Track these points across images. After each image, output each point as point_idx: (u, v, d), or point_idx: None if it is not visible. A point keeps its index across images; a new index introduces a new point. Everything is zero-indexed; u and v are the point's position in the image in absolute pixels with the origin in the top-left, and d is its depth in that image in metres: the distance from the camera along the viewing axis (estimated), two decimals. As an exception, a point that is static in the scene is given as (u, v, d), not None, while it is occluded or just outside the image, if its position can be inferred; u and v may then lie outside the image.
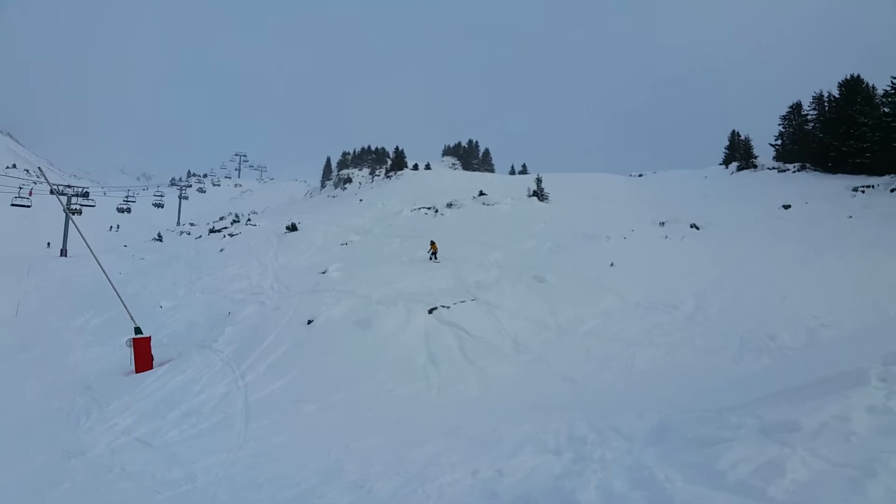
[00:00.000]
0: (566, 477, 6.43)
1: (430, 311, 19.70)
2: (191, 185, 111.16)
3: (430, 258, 27.17)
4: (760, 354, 14.39)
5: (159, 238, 57.45)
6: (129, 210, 70.77)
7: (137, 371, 18.44)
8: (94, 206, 58.13)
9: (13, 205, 53.49)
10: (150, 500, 9.51)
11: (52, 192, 28.41)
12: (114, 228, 72.04)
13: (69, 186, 56.47)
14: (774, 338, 15.20)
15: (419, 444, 10.57)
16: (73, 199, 54.97)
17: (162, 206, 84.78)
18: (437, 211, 39.24)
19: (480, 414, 12.72)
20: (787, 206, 30.94)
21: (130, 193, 79.54)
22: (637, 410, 9.06)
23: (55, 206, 51.60)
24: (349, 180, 77.69)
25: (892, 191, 30.87)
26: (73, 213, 54.08)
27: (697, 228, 28.77)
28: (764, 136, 50.24)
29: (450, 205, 40.38)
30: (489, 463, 8.46)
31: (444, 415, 13.01)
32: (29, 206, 54.08)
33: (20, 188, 57.84)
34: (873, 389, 5.30)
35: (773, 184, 38.01)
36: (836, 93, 40.74)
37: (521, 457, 8.44)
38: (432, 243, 27.71)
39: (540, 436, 9.46)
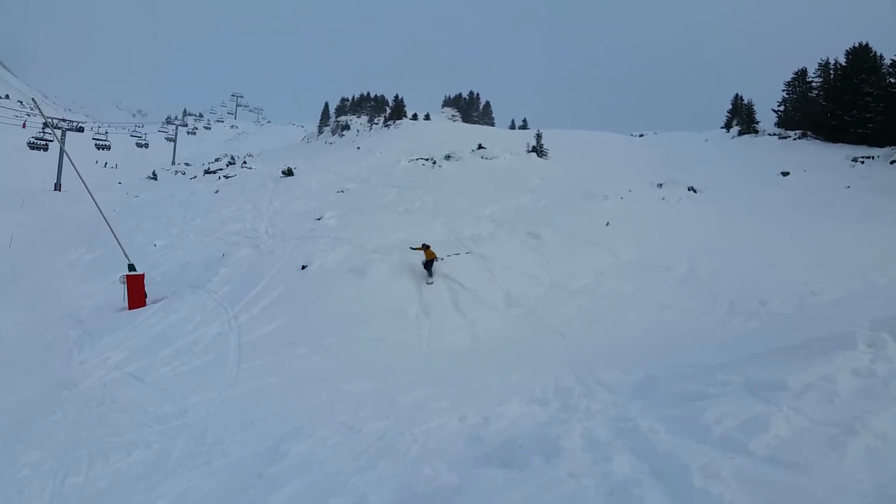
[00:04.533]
0: (551, 425, 6.55)
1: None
2: (186, 125, 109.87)
3: (426, 271, 18.88)
4: (750, 318, 14.52)
5: (154, 177, 56.93)
6: (146, 145, 70.84)
7: (130, 308, 18.53)
8: (106, 143, 58.99)
9: (30, 143, 51.43)
10: (141, 433, 9.67)
11: (45, 126, 28.04)
12: (109, 165, 71.28)
13: (63, 120, 55.64)
14: (765, 303, 15.31)
15: (408, 389, 10.74)
16: (100, 135, 55.07)
17: (174, 140, 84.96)
18: (434, 162, 38.83)
19: (469, 364, 12.90)
20: (785, 174, 30.80)
21: (139, 129, 79.87)
22: (624, 366, 9.20)
23: (72, 140, 50.48)
24: (347, 127, 76.66)
25: (891, 163, 30.71)
26: (101, 149, 55.89)
27: (695, 191, 28.67)
28: (767, 102, 49.61)
29: (448, 157, 39.94)
30: (476, 410, 8.60)
31: (433, 363, 13.19)
32: (45, 149, 51.77)
33: (44, 125, 55.33)
34: (860, 353, 5.39)
35: (772, 150, 37.72)
36: (842, 60, 40.20)
37: (508, 405, 8.58)
38: (426, 248, 19.28)
39: (527, 386, 9.61)
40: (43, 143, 50.02)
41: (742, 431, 4.59)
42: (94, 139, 59.74)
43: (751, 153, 38.00)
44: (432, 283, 18.45)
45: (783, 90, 46.96)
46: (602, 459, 4.91)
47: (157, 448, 8.99)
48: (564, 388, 8.75)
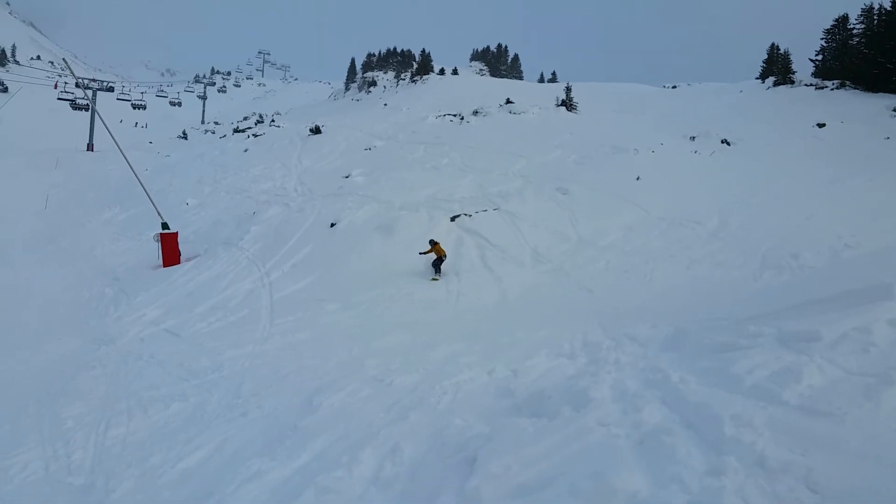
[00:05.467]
0: (580, 377, 6.59)
1: (453, 219, 19.74)
2: (215, 83, 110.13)
3: (435, 271, 16.46)
4: (781, 272, 14.33)
5: (184, 136, 57.24)
6: (180, 104, 71.99)
7: (165, 265, 18.89)
8: (143, 105, 59.50)
9: (59, 99, 52.29)
10: (178, 387, 9.95)
11: (77, 85, 28.28)
12: (139, 125, 71.90)
13: (94, 80, 55.99)
14: (797, 256, 15.07)
15: (437, 345, 10.88)
16: (137, 95, 55.47)
17: (206, 98, 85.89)
18: (462, 118, 38.41)
19: (497, 319, 12.99)
20: (821, 125, 29.85)
21: (163, 88, 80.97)
22: (653, 320, 9.17)
23: (101, 99, 51.10)
24: (374, 83, 76.05)
25: (935, 112, 29.61)
26: (138, 108, 57.12)
27: (728, 144, 27.97)
28: (805, 52, 47.78)
29: (476, 112, 39.47)
30: (505, 364, 8.70)
31: (462, 319, 13.29)
32: (73, 100, 52.75)
33: (66, 83, 56.52)
34: (896, 304, 5.27)
35: (809, 101, 36.52)
36: (888, 5, 38.43)
37: (537, 359, 8.65)
38: (435, 245, 16.72)
39: (555, 341, 9.66)
40: (85, 102, 50.89)
41: (774, 381, 4.56)
42: (118, 98, 60.04)
43: (786, 104, 36.89)
44: (438, 280, 16.13)
45: (822, 38, 45.14)
46: (632, 409, 4.94)
47: (194, 401, 9.25)
48: (593, 343, 8.78)
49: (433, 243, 16.70)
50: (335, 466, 5.71)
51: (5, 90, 75.61)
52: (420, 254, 16.79)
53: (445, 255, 16.70)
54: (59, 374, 11.41)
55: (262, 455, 6.57)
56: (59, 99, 52.09)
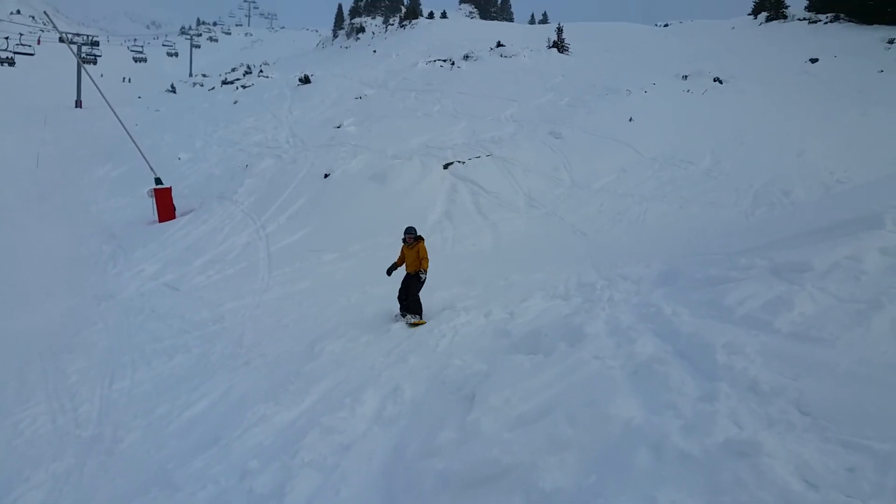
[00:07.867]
0: (575, 315, 6.71)
1: (446, 167, 19.62)
2: (201, 34, 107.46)
3: (400, 307, 9.60)
4: (773, 209, 14.39)
5: (173, 90, 56.13)
6: (176, 54, 70.37)
7: (161, 220, 18.82)
8: (99, 55, 57.02)
9: (15, 53, 50.57)
10: (181, 339, 10.08)
11: (61, 40, 27.55)
12: (126, 80, 70.22)
13: (78, 35, 54.53)
14: (788, 193, 15.11)
15: (434, 290, 10.96)
16: (84, 49, 53.48)
17: (199, 47, 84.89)
18: (453, 63, 37.75)
19: (493, 265, 13.08)
20: (814, 60, 29.39)
21: (138, 42, 79.10)
22: (646, 260, 9.27)
23: (66, 54, 50.07)
24: (362, 30, 74.19)
25: (931, 44, 29.16)
26: (138, 61, 57.23)
27: (721, 82, 27.59)
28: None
29: (466, 57, 38.78)
30: (501, 307, 8.83)
31: (458, 265, 13.36)
32: (32, 55, 51.64)
33: (21, 34, 54.70)
34: (888, 233, 5.35)
35: (802, 36, 35.88)
36: (883, -67, 37.43)
37: (532, 301, 8.78)
38: (416, 240, 9.79)
39: (550, 283, 9.80)
40: (90, 56, 50.01)
41: (766, 311, 4.67)
42: (88, 55, 57.28)
43: (779, 40, 36.29)
44: (412, 323, 9.09)
45: (816, -30, 44.15)
46: (626, 342, 5.06)
47: (197, 352, 9.39)
48: (587, 283, 8.90)
49: (412, 239, 9.86)
50: (338, 408, 5.87)
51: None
52: (388, 272, 10.27)
53: (426, 270, 9.57)
54: (61, 330, 11.51)
55: (266, 400, 6.73)
56: (14, 53, 50.22)
